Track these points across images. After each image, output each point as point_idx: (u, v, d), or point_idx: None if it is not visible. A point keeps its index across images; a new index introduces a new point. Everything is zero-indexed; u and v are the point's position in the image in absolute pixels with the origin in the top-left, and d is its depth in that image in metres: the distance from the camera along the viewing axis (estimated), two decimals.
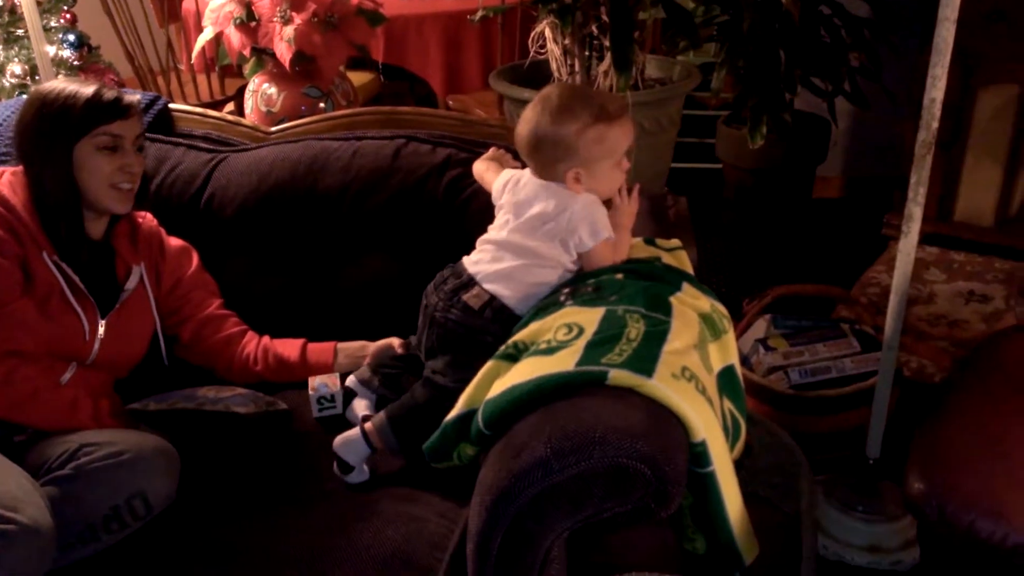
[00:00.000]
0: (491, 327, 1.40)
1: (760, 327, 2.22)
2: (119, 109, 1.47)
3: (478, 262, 1.44)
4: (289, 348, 1.64)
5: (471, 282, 1.43)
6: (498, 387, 1.26)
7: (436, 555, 1.25)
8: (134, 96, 1.52)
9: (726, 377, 1.38)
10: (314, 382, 1.55)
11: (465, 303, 1.41)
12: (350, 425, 1.46)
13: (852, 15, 2.86)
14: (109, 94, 1.48)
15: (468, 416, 1.29)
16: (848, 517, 1.76)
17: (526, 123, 1.43)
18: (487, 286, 1.42)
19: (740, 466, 1.37)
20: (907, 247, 1.60)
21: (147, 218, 1.68)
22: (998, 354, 1.63)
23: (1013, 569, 1.19)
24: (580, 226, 1.39)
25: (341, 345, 1.64)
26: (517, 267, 1.41)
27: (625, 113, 1.41)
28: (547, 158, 1.42)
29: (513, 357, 1.31)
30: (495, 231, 1.47)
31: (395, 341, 1.58)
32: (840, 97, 2.94)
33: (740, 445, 1.40)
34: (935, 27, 1.47)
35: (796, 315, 2.22)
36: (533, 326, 1.33)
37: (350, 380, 1.56)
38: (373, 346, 1.60)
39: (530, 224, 1.42)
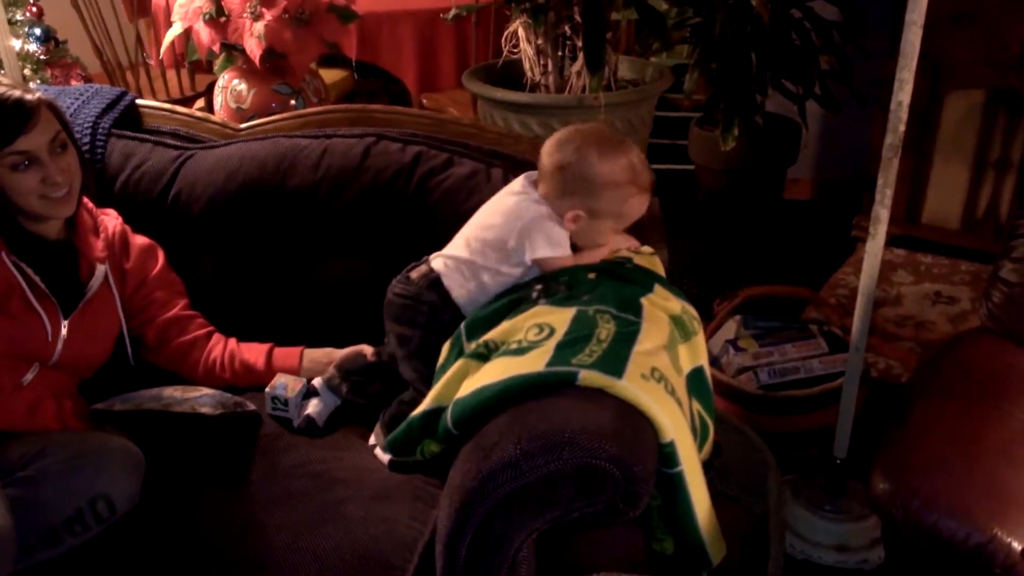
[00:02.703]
0: (426, 293, 1.43)
1: (730, 328, 2.23)
2: (17, 124, 1.38)
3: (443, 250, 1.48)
4: (255, 354, 1.62)
5: (425, 260, 1.47)
6: (468, 387, 1.26)
7: (406, 556, 1.25)
8: (34, 96, 1.41)
9: (695, 378, 1.39)
10: (276, 380, 1.54)
11: (407, 275, 1.46)
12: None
13: (822, 18, 2.88)
14: (7, 106, 1.37)
15: (434, 413, 1.29)
16: (816, 516, 1.78)
17: (561, 147, 1.41)
18: (433, 263, 1.46)
19: (709, 466, 1.37)
20: (874, 249, 1.61)
21: (111, 215, 1.65)
22: (962, 356, 1.65)
23: (975, 568, 1.21)
24: (533, 235, 1.39)
25: (308, 351, 1.62)
26: (464, 259, 1.44)
27: (651, 189, 1.43)
28: (562, 188, 1.40)
29: (483, 356, 1.31)
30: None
31: (367, 349, 1.57)
32: (810, 100, 2.96)
33: (708, 446, 1.41)
34: (902, 31, 1.49)
35: (766, 316, 2.24)
36: (504, 325, 1.33)
37: (316, 381, 1.56)
38: (342, 352, 1.59)
39: (485, 224, 1.45)
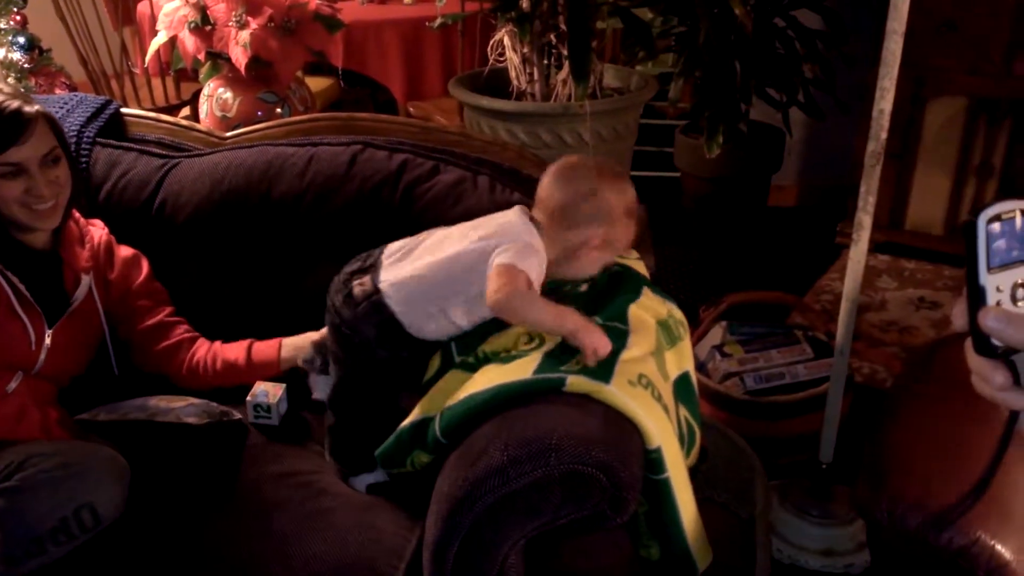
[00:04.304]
0: (362, 326, 1.29)
1: (716, 334, 2.24)
2: (10, 135, 1.38)
3: (399, 249, 1.34)
4: (235, 351, 1.61)
5: (373, 267, 1.32)
6: (457, 396, 1.26)
7: (394, 564, 1.24)
8: (32, 109, 1.42)
9: (682, 384, 1.39)
10: (256, 388, 1.54)
11: (350, 290, 1.30)
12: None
13: (805, 27, 2.91)
14: (3, 115, 1.37)
15: (423, 423, 1.29)
16: (802, 521, 1.79)
17: (573, 181, 1.31)
18: (382, 276, 1.29)
19: (696, 472, 1.38)
20: (857, 255, 1.63)
21: (97, 226, 1.64)
22: (945, 360, 1.66)
23: (959, 570, 1.21)
24: (508, 237, 1.28)
25: (286, 340, 1.60)
26: (425, 276, 1.29)
27: (634, 215, 1.34)
28: (575, 220, 1.30)
29: (473, 367, 1.31)
30: (439, 230, 1.38)
31: None
32: (794, 107, 2.98)
33: (695, 452, 1.41)
34: (883, 39, 1.50)
35: (751, 322, 2.25)
36: (495, 337, 1.33)
37: (303, 360, 1.54)
38: (319, 333, 1.57)
39: (463, 233, 1.32)
